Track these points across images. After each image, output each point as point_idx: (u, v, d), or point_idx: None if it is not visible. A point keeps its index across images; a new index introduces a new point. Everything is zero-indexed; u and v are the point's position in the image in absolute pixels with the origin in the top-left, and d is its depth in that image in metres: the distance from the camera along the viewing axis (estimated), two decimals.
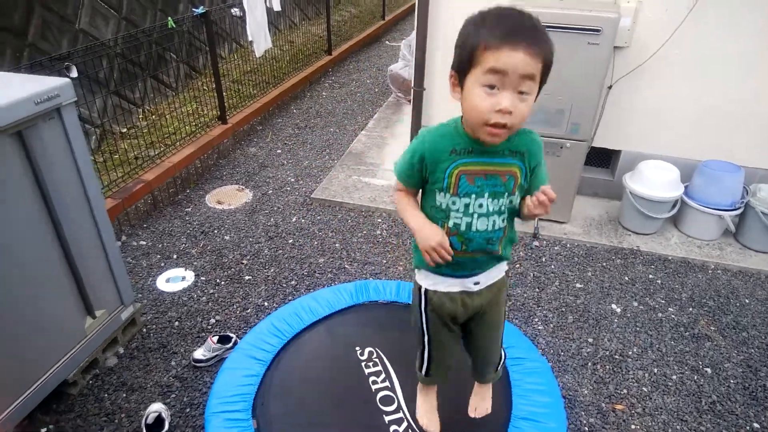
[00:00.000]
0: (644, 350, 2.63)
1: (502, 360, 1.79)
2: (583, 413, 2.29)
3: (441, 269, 1.45)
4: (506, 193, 1.37)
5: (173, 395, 2.33)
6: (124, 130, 4.49)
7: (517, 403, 1.98)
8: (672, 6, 3.09)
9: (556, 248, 3.36)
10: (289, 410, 1.95)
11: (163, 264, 3.16)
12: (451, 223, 1.39)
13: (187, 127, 4.27)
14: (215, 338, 2.52)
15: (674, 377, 2.48)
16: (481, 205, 1.36)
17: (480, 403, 1.85)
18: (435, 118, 3.87)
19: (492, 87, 1.17)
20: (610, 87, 3.40)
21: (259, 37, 4.74)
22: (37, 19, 3.87)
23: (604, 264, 3.22)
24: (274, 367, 2.13)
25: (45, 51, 3.84)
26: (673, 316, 2.85)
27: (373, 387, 2.02)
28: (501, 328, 1.71)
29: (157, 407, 2.20)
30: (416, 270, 1.57)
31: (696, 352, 2.62)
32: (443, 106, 3.82)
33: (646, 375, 2.49)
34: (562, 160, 3.29)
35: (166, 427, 2.12)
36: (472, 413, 1.84)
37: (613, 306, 2.90)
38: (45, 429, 2.18)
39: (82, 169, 2.16)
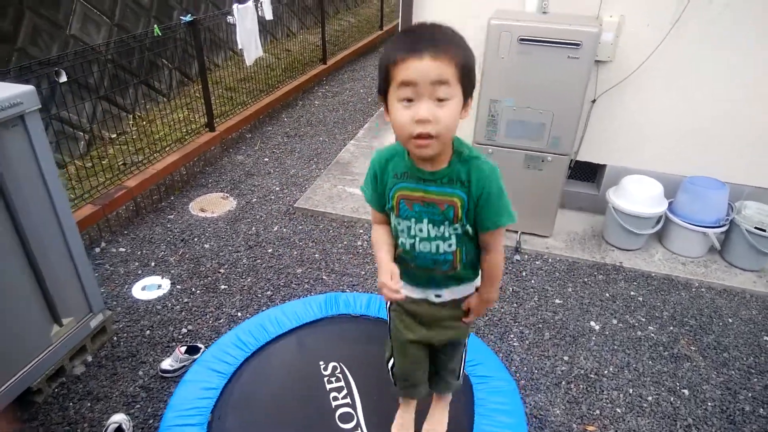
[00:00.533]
0: (620, 369, 2.58)
1: (462, 368, 1.76)
2: None
3: (402, 276, 1.42)
4: (447, 222, 1.35)
5: (138, 405, 2.31)
6: (114, 135, 4.50)
7: (479, 423, 1.94)
8: (654, 21, 3.07)
9: (537, 263, 3.32)
10: (246, 424, 1.92)
11: (140, 271, 3.14)
12: (399, 242, 1.44)
13: (174, 134, 4.27)
14: (183, 348, 2.49)
15: (650, 398, 2.43)
16: (421, 230, 1.38)
17: (434, 424, 1.83)
18: None
19: (409, 100, 1.17)
20: (593, 101, 3.38)
21: (250, 45, 4.76)
22: (27, 25, 3.89)
23: (586, 280, 3.18)
24: (235, 380, 2.10)
25: (34, 56, 3.85)
26: (652, 334, 2.80)
27: (334, 403, 1.98)
28: (463, 344, 1.69)
29: (119, 418, 2.17)
30: None
31: (674, 373, 2.57)
32: None
33: (621, 395, 2.44)
34: (543, 173, 3.26)
35: None
36: None
37: (592, 323, 2.85)
38: None
39: (47, 176, 2.16)
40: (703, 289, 3.14)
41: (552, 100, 3.04)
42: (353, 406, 1.97)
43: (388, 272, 1.34)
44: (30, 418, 2.23)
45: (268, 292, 2.98)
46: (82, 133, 4.25)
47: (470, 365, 2.20)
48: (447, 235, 1.37)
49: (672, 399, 2.43)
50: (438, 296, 1.51)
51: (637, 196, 3.23)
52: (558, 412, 2.35)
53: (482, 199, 1.30)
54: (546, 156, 3.21)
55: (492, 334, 2.75)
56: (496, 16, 3.01)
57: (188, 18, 3.95)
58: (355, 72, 6.82)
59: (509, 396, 2.06)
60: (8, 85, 2.02)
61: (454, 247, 1.39)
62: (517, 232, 3.50)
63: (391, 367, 1.71)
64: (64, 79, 3.92)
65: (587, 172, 3.77)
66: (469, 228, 1.37)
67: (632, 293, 3.09)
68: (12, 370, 2.17)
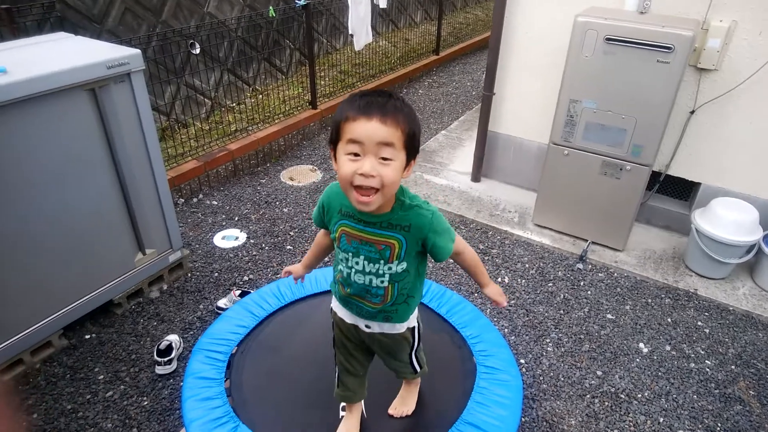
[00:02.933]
0: (657, 396, 2.42)
1: (418, 362, 1.81)
2: None
3: (338, 298, 1.63)
4: (382, 261, 1.44)
5: (191, 332, 2.67)
6: (233, 104, 5.04)
7: (471, 408, 1.97)
8: None
9: (600, 275, 3.16)
10: (260, 362, 2.15)
11: (224, 223, 3.55)
12: (338, 268, 1.55)
13: (284, 108, 4.68)
14: (238, 292, 2.81)
15: None
16: (357, 263, 1.47)
17: (400, 404, 1.94)
18: (504, 124, 3.83)
19: (356, 155, 1.25)
20: (692, 112, 3.10)
21: (360, 31, 5.00)
22: (171, 1, 4.51)
23: (649, 300, 2.97)
24: (265, 324, 2.34)
25: (174, 29, 4.46)
26: (708, 369, 2.56)
27: None
28: (409, 347, 1.74)
29: (172, 338, 2.55)
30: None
31: (719, 413, 2.35)
32: (513, 112, 3.76)
33: (649, 422, 2.30)
34: (620, 183, 3.09)
35: (172, 354, 2.45)
36: (392, 411, 1.93)
37: (641, 345, 2.68)
38: (89, 335, 2.63)
39: (146, 128, 2.56)
40: None
41: (636, 106, 2.86)
42: None
43: (295, 271, 1.81)
44: (108, 325, 2.69)
45: (326, 259, 3.21)
46: (206, 99, 4.83)
47: (481, 355, 2.22)
48: (381, 272, 1.46)
49: None
50: (368, 327, 1.63)
51: (724, 220, 2.93)
52: (573, 422, 2.28)
53: (428, 242, 1.43)
54: (625, 165, 3.04)
55: (528, 335, 2.72)
56: (586, 12, 2.89)
57: (302, 2, 4.28)
58: (467, 65, 6.81)
59: (512, 391, 2.06)
60: (120, 47, 2.44)
61: (386, 284, 1.48)
62: (586, 240, 3.35)
63: (336, 380, 1.81)
64: (197, 50, 4.50)
65: (680, 189, 3.47)
66: (405, 265, 1.46)
67: (699, 323, 2.83)
68: (101, 282, 2.63)
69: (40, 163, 2.21)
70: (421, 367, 1.83)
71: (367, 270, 1.47)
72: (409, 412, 1.93)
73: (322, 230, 1.64)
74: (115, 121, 2.43)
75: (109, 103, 2.38)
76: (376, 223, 1.40)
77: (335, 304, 1.68)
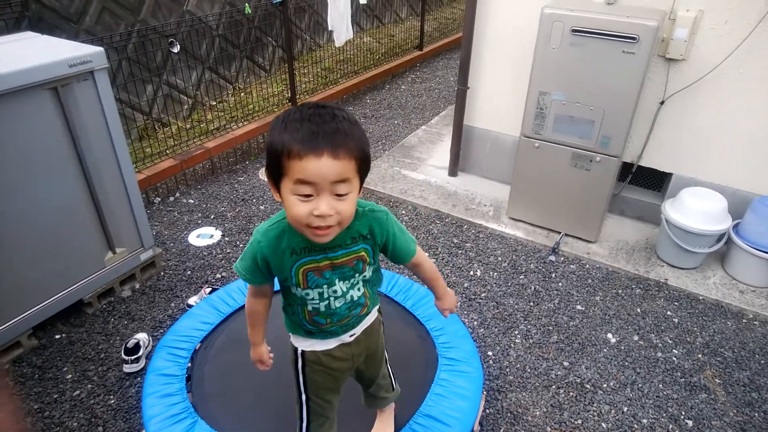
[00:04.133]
0: (623, 386, 2.43)
1: (393, 378, 1.80)
2: (522, 431, 2.21)
3: (313, 336, 1.47)
4: (357, 274, 1.37)
5: (161, 330, 2.68)
6: (214, 102, 5.04)
7: (430, 400, 1.98)
8: (735, 18, 2.75)
9: (572, 266, 3.17)
10: (222, 356, 2.16)
11: (200, 222, 3.56)
12: (310, 308, 1.39)
13: (266, 106, 4.68)
14: (208, 290, 2.82)
15: (644, 421, 2.27)
16: (335, 291, 1.36)
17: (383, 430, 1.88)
18: (479, 118, 3.83)
19: (307, 195, 1.12)
20: (662, 102, 3.11)
21: (341, 27, 5.00)
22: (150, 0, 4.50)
23: (620, 291, 2.99)
24: (230, 320, 2.36)
25: (152, 27, 4.45)
26: (674, 358, 2.58)
27: None
28: (384, 359, 1.72)
29: (140, 336, 2.55)
30: (290, 333, 1.54)
31: (684, 402, 2.36)
32: (488, 106, 3.76)
33: (612, 411, 2.31)
34: (590, 174, 3.10)
35: (140, 353, 2.45)
36: None
37: (609, 335, 2.70)
38: (59, 335, 2.64)
39: (111, 126, 2.56)
40: (756, 322, 2.79)
41: (603, 97, 2.87)
42: None
43: (259, 356, 1.59)
44: (78, 324, 2.69)
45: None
46: (186, 98, 4.83)
47: (444, 347, 2.23)
48: (357, 283, 1.40)
49: (671, 427, 2.25)
50: (352, 335, 1.52)
51: (693, 209, 2.94)
52: (538, 413, 2.30)
53: (389, 243, 1.38)
54: (595, 156, 3.05)
55: (497, 327, 2.73)
56: (552, 4, 2.90)
57: None
58: (451, 60, 6.81)
59: (472, 382, 2.07)
60: (82, 45, 2.44)
61: (362, 290, 1.42)
62: (559, 233, 3.36)
63: (303, 421, 1.61)
64: (176, 49, 4.50)
65: (653, 180, 3.48)
66: (375, 265, 1.42)
67: (668, 313, 2.84)
68: (71, 282, 2.64)
69: (5, 163, 2.21)
70: (395, 379, 1.80)
71: (345, 289, 1.38)
72: None
73: (252, 295, 1.46)
74: (80, 120, 2.43)
75: (73, 102, 2.38)
76: (340, 245, 1.30)
77: (309, 344, 1.49)
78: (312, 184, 1.10)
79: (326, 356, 1.51)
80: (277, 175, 1.15)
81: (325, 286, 1.34)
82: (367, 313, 1.51)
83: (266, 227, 1.30)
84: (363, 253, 1.35)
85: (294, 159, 1.08)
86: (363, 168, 1.18)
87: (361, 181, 1.20)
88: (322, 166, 1.08)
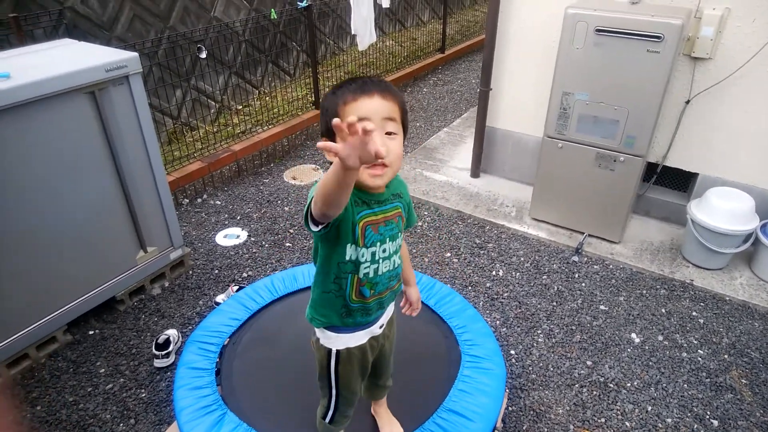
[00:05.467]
0: (647, 385, 2.42)
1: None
2: (545, 429, 2.21)
3: (351, 319, 1.48)
4: (399, 233, 1.45)
5: (190, 327, 2.75)
6: (240, 106, 5.15)
7: (453, 396, 2.01)
8: (763, 16, 2.72)
9: (595, 267, 3.16)
10: (250, 352, 2.22)
11: (227, 222, 3.65)
12: (361, 274, 1.40)
13: (288, 109, 4.77)
14: (235, 288, 2.89)
15: (669, 420, 2.26)
16: (384, 250, 1.42)
17: (392, 426, 1.92)
18: (502, 119, 3.85)
19: None
20: (687, 102, 3.09)
21: (364, 31, 5.06)
22: (179, 7, 4.63)
23: (644, 292, 2.96)
24: (258, 316, 2.42)
25: (181, 33, 4.58)
26: (700, 359, 2.55)
27: None
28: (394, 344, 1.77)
29: (171, 332, 2.63)
30: (320, 332, 1.54)
31: (709, 402, 2.34)
32: (510, 107, 3.78)
33: (636, 410, 2.30)
34: (615, 174, 3.09)
35: (170, 348, 2.53)
36: None
37: (633, 335, 2.68)
38: (92, 331, 2.74)
39: (145, 129, 2.65)
40: None
41: (628, 97, 2.87)
42: None
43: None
44: (111, 321, 2.79)
45: (312, 253, 3.28)
46: (213, 103, 4.95)
47: (467, 345, 2.26)
48: (398, 247, 1.46)
49: (696, 426, 2.23)
50: (381, 327, 1.58)
51: (720, 210, 2.91)
52: (561, 411, 2.30)
53: (410, 206, 1.52)
54: (619, 156, 3.04)
55: (519, 327, 2.74)
56: (576, 4, 2.91)
57: (304, 3, 4.36)
58: (473, 63, 6.82)
59: (495, 379, 2.09)
60: (119, 51, 2.54)
61: (400, 258, 1.49)
62: (582, 233, 3.35)
63: (329, 410, 1.69)
64: (204, 55, 4.62)
65: (679, 180, 3.45)
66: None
67: (694, 314, 2.81)
68: (104, 279, 2.73)
69: (44, 164, 2.31)
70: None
71: (392, 251, 1.44)
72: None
73: None
74: (115, 123, 2.53)
75: (109, 105, 2.47)
76: (387, 199, 1.40)
77: (343, 341, 1.53)
78: (366, 120, 1.18)
79: (359, 351, 1.55)
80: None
81: (378, 244, 1.39)
82: (397, 290, 1.57)
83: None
84: (400, 210, 1.45)
85: (349, 104, 1.25)
86: (405, 120, 1.34)
87: (404, 135, 1.34)
88: (374, 102, 1.25)
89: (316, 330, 1.55)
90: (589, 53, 2.88)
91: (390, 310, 1.63)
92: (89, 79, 2.35)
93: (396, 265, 1.47)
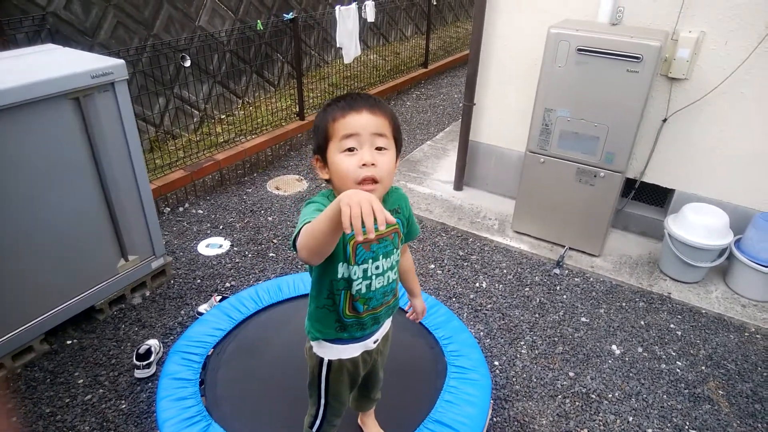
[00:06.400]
0: (628, 396, 2.46)
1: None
2: None
3: (347, 333, 1.48)
4: (395, 250, 1.44)
5: (171, 337, 2.71)
6: (223, 116, 5.13)
7: (440, 406, 2.02)
8: (735, 39, 2.83)
9: (576, 280, 3.22)
10: (235, 362, 2.20)
11: (209, 231, 3.61)
12: (354, 291, 1.41)
13: (273, 119, 4.76)
14: (218, 298, 2.86)
15: (649, 430, 2.30)
16: (377, 267, 1.41)
17: None
18: (485, 133, 3.91)
19: (351, 149, 1.27)
20: (665, 120, 3.19)
21: (350, 44, 5.12)
22: (164, 15, 4.61)
23: (624, 304, 3.03)
24: (242, 326, 2.40)
25: (165, 42, 4.56)
26: (678, 370, 2.61)
27: None
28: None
29: (152, 342, 2.59)
30: (314, 342, 1.55)
31: (688, 412, 2.39)
32: (493, 122, 3.84)
33: (618, 421, 2.34)
34: (594, 189, 3.16)
35: (151, 358, 2.49)
36: None
37: (613, 347, 2.73)
38: (70, 340, 2.67)
39: (129, 134, 2.62)
40: (758, 336, 2.83)
41: (608, 114, 2.95)
42: None
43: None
44: (90, 330, 2.73)
45: (307, 266, 3.27)
46: (197, 111, 4.92)
47: (452, 355, 2.27)
48: (393, 263, 1.45)
49: None
50: (375, 342, 1.57)
51: (696, 225, 2.99)
52: (544, 422, 2.32)
53: (410, 219, 1.52)
54: (599, 171, 3.11)
55: (503, 338, 2.76)
56: (558, 24, 2.99)
57: (290, 15, 4.39)
58: (455, 78, 6.93)
59: (481, 390, 2.11)
60: (104, 57, 2.52)
61: (396, 274, 1.48)
62: (563, 246, 3.42)
63: (317, 421, 1.69)
64: (188, 63, 4.59)
65: (656, 196, 3.55)
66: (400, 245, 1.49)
67: (672, 326, 2.88)
68: (83, 288, 2.68)
69: (25, 170, 2.27)
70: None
71: (386, 268, 1.42)
72: None
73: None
74: (99, 130, 2.50)
75: (94, 111, 2.45)
76: None
77: (336, 352, 1.53)
78: (355, 136, 1.26)
79: (351, 363, 1.55)
80: (323, 144, 1.31)
81: (370, 261, 1.38)
82: (394, 305, 1.55)
83: (324, 193, 1.39)
84: (397, 227, 1.44)
85: (338, 120, 1.28)
86: (397, 135, 1.35)
87: (397, 151, 1.35)
88: (363, 118, 1.27)
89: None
90: (571, 71, 2.96)
91: (386, 325, 1.62)
92: (74, 84, 2.32)
93: (391, 281, 1.46)
